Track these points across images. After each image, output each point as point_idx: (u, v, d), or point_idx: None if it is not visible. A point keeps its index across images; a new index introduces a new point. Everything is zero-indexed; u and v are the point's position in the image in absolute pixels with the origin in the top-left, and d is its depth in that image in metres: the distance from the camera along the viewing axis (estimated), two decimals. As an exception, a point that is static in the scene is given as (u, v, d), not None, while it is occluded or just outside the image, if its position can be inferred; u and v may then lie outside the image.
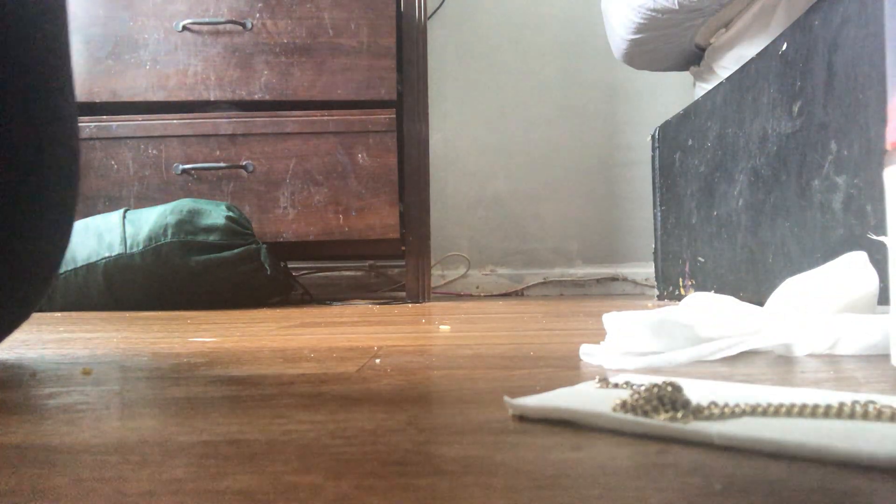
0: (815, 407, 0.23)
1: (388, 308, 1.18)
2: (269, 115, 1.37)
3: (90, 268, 1.17)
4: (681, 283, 1.22)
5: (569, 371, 0.38)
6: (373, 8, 1.39)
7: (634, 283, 1.92)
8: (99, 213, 1.28)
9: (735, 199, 0.99)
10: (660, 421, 0.23)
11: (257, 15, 1.38)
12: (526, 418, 0.26)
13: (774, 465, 0.19)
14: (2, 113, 0.36)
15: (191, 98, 1.37)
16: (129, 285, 1.18)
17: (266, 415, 0.27)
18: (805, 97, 0.78)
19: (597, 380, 0.31)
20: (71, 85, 0.42)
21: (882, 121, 0.64)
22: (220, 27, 1.37)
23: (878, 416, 0.22)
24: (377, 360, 0.44)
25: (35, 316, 1.06)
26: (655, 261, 1.37)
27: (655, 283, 1.40)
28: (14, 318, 0.42)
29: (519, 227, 1.94)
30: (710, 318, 0.46)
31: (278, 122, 1.37)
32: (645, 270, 1.90)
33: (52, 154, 0.39)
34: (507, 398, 0.27)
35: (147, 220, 1.19)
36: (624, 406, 0.24)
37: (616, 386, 0.30)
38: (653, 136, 1.37)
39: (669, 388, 0.24)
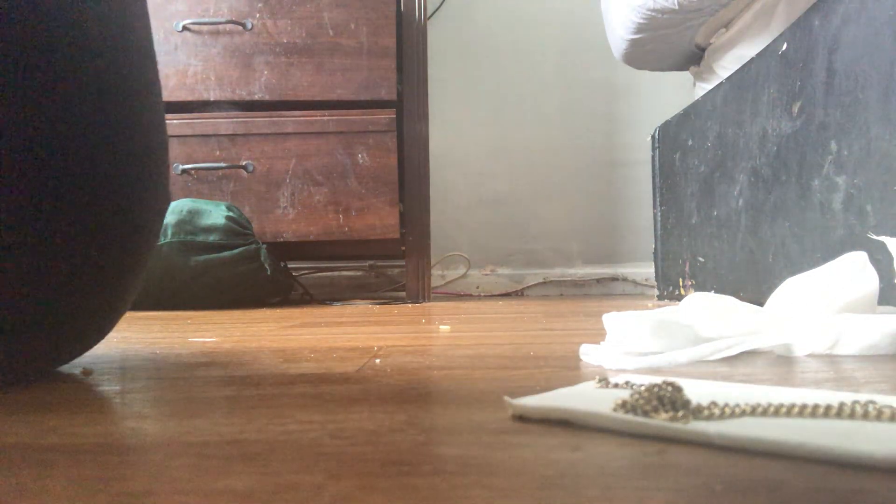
0: (815, 407, 0.23)
1: (388, 308, 1.18)
2: (269, 115, 1.37)
3: (90, 268, 1.17)
4: (681, 283, 1.22)
5: (569, 371, 0.38)
6: (373, 8, 1.39)
7: (634, 283, 1.92)
8: (99, 213, 1.27)
9: (735, 199, 0.99)
10: (660, 421, 0.23)
11: (257, 15, 1.38)
12: (526, 418, 0.26)
13: (774, 465, 0.19)
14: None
15: (191, 98, 1.37)
16: (129, 285, 1.18)
17: (266, 415, 0.27)
18: (805, 97, 0.78)
19: (597, 380, 0.31)
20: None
21: (882, 121, 0.64)
22: (220, 27, 1.37)
23: (878, 416, 0.22)
24: (377, 360, 0.44)
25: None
26: (655, 261, 1.37)
27: (655, 283, 1.40)
28: (90, 342, 0.43)
29: (519, 227, 1.94)
30: (710, 318, 0.46)
31: (278, 122, 1.37)
32: (645, 270, 1.90)
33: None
34: (507, 398, 0.27)
35: (147, 220, 1.19)
36: (624, 406, 0.24)
37: (616, 386, 0.30)
38: (653, 136, 1.37)
39: (669, 388, 0.24)
